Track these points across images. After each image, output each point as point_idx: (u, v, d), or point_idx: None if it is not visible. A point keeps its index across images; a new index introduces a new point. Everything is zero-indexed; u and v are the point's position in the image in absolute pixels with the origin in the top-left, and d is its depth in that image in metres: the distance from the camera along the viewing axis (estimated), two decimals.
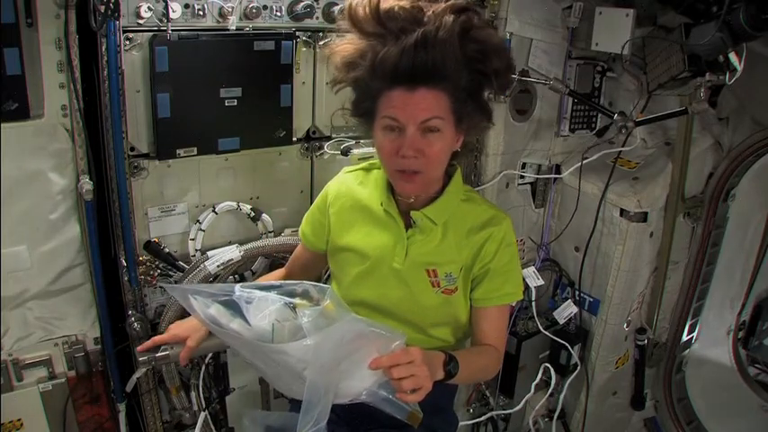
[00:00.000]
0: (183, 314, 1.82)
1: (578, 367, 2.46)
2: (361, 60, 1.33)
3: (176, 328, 1.55)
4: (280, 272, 1.78)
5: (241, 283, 1.38)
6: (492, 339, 1.53)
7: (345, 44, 1.36)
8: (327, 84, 1.84)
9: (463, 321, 1.57)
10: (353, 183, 1.59)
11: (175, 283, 1.82)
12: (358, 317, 1.28)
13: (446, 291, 1.49)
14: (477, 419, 2.53)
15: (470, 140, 1.48)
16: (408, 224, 1.49)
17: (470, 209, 1.52)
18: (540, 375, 2.37)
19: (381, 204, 1.50)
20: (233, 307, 1.30)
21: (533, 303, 2.41)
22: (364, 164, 1.62)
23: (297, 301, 1.32)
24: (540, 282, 2.39)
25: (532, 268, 2.40)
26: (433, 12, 1.29)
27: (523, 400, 2.46)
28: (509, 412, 2.50)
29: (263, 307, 1.29)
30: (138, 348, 1.54)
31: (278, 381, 1.31)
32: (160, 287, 1.83)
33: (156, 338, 1.53)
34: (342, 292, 1.58)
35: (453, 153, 1.44)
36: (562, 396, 2.63)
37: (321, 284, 1.34)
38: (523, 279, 2.36)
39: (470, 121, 1.39)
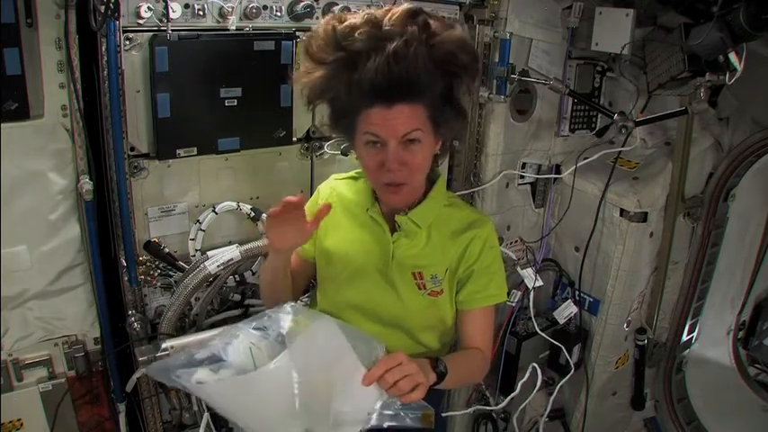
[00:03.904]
0: (184, 313, 1.82)
1: (572, 370, 2.45)
2: (333, 84, 1.32)
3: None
4: None
5: (218, 337, 1.35)
6: (478, 342, 1.56)
7: (309, 74, 1.34)
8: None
9: (449, 325, 1.59)
10: (342, 188, 1.62)
11: (175, 282, 1.82)
12: (329, 318, 1.30)
13: (432, 293, 1.51)
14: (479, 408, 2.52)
15: (455, 144, 1.50)
16: (394, 228, 1.52)
17: (454, 213, 1.56)
18: (539, 378, 2.36)
19: (367, 210, 1.53)
20: (215, 360, 1.28)
21: (531, 304, 2.40)
22: (352, 172, 1.66)
23: (264, 322, 1.32)
24: (539, 282, 2.39)
25: (531, 269, 2.40)
26: (389, 21, 1.28)
27: (514, 391, 2.43)
28: (504, 405, 2.48)
29: (237, 342, 1.29)
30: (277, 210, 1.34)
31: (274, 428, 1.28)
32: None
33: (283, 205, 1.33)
34: (329, 296, 1.60)
35: (434, 156, 1.47)
36: (562, 396, 2.63)
37: (278, 307, 1.34)
38: (520, 284, 2.36)
39: (448, 125, 1.42)
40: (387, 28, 1.28)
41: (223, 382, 1.24)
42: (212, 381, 1.24)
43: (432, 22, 1.32)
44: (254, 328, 1.31)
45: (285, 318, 1.29)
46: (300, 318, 1.29)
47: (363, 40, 1.27)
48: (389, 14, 1.30)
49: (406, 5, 1.32)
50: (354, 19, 1.30)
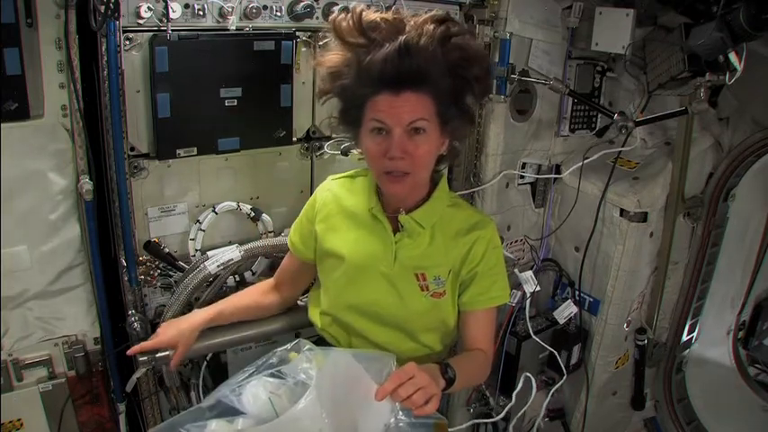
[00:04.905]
0: (184, 313, 1.82)
1: (565, 376, 2.45)
2: (346, 69, 1.37)
3: (165, 333, 1.56)
4: (269, 282, 1.78)
5: (223, 386, 1.37)
6: (481, 343, 1.55)
7: (331, 55, 1.41)
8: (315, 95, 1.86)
9: (451, 327, 1.59)
10: (340, 190, 1.61)
11: (175, 282, 1.82)
12: (340, 349, 1.34)
13: (435, 294, 1.50)
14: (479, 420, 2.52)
15: (455, 145, 1.51)
16: (396, 228, 1.51)
17: (456, 213, 1.55)
18: (534, 386, 2.35)
19: (370, 209, 1.52)
20: (228, 412, 1.29)
21: (527, 308, 2.39)
22: (350, 171, 1.66)
23: (277, 365, 1.34)
24: (537, 288, 2.38)
25: (530, 273, 2.40)
26: (414, 22, 1.34)
27: (511, 401, 2.41)
28: (503, 415, 2.48)
29: (252, 391, 1.30)
30: (128, 352, 1.55)
31: None
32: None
33: (145, 345, 1.54)
34: (330, 298, 1.59)
35: (439, 157, 1.47)
36: (562, 396, 2.63)
37: (290, 344, 1.37)
38: (520, 284, 2.36)
39: (454, 124, 1.43)
40: (409, 25, 1.33)
41: None
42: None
43: (454, 27, 1.35)
44: (270, 376, 1.31)
45: (301, 363, 1.29)
46: (316, 358, 1.31)
47: (383, 32, 1.31)
48: (417, 17, 1.36)
49: (436, 13, 1.38)
50: (385, 14, 1.36)
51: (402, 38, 1.29)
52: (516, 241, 2.49)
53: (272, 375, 1.32)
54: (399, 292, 1.50)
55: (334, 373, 1.25)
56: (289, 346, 1.38)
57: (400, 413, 1.25)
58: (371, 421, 1.24)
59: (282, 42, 1.75)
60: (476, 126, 2.18)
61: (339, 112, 1.47)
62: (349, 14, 1.34)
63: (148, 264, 1.81)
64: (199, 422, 1.27)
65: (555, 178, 2.50)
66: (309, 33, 1.84)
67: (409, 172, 1.38)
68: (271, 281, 1.78)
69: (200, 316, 1.61)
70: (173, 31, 1.57)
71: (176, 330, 1.56)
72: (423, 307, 1.51)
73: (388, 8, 1.78)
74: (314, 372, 1.27)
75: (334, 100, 1.47)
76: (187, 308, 1.81)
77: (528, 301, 2.38)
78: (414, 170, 1.39)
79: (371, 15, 1.34)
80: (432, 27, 1.31)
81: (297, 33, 1.80)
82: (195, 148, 1.73)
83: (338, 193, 1.61)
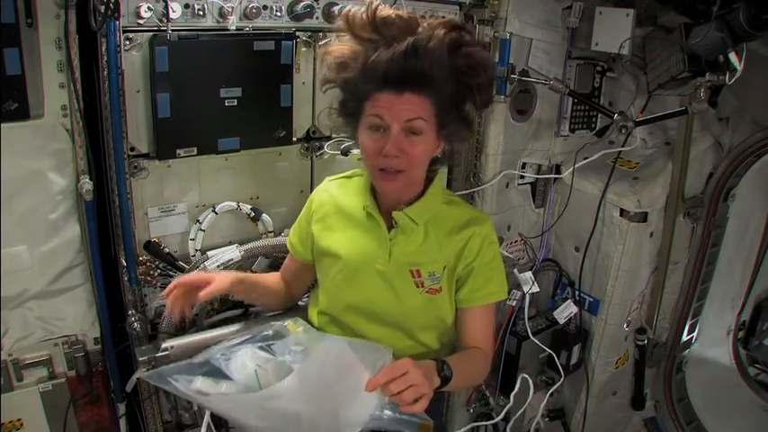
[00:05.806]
0: (184, 314, 1.82)
1: (562, 378, 2.45)
2: (352, 62, 1.38)
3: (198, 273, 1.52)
4: (275, 275, 1.79)
5: (215, 346, 1.38)
6: (479, 341, 1.55)
7: (339, 46, 1.42)
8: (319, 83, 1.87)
9: (449, 324, 1.58)
10: (336, 190, 1.62)
11: None
12: (336, 337, 1.32)
13: (430, 290, 1.50)
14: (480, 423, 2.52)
15: (450, 149, 1.52)
16: (391, 226, 1.52)
17: (452, 210, 1.56)
18: (531, 388, 2.35)
19: (365, 207, 1.53)
20: (215, 373, 1.31)
21: (526, 308, 2.38)
22: (346, 172, 1.66)
23: (269, 340, 1.35)
24: (537, 289, 2.38)
25: (529, 273, 2.40)
26: (427, 24, 1.35)
27: (509, 402, 2.43)
28: (502, 417, 2.48)
29: (241, 359, 1.31)
30: (166, 290, 1.47)
31: None
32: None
33: (182, 280, 1.46)
34: (328, 298, 1.60)
35: (433, 159, 1.48)
36: (562, 396, 2.63)
37: (289, 320, 1.39)
38: (519, 285, 2.36)
39: (451, 129, 1.44)
40: (422, 26, 1.34)
41: (227, 398, 1.25)
42: (215, 393, 1.26)
43: (466, 36, 1.37)
44: (260, 348, 1.32)
45: (293, 341, 1.30)
46: (309, 339, 1.31)
47: (395, 29, 1.32)
48: (431, 20, 1.37)
49: (452, 19, 1.38)
50: (400, 11, 1.37)
51: (411, 38, 1.30)
52: (516, 241, 2.49)
53: (263, 349, 1.33)
54: (395, 289, 1.50)
55: (324, 358, 1.24)
56: (286, 322, 1.39)
57: (386, 407, 1.25)
58: (356, 410, 1.23)
59: (282, 42, 1.75)
60: (473, 131, 2.18)
61: (339, 103, 1.49)
62: (364, 9, 1.35)
63: (148, 264, 1.81)
64: (188, 375, 1.29)
65: (555, 178, 2.50)
66: (309, 33, 1.84)
67: (403, 170, 1.39)
68: (277, 274, 1.79)
69: (225, 273, 1.58)
70: (173, 31, 1.57)
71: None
72: (418, 303, 1.51)
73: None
74: (302, 353, 1.27)
75: (336, 91, 1.48)
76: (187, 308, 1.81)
77: (527, 302, 2.38)
78: (408, 168, 1.40)
79: (386, 11, 1.35)
80: (443, 32, 1.32)
81: (297, 33, 1.80)
82: (195, 148, 1.74)
83: (335, 194, 1.61)
